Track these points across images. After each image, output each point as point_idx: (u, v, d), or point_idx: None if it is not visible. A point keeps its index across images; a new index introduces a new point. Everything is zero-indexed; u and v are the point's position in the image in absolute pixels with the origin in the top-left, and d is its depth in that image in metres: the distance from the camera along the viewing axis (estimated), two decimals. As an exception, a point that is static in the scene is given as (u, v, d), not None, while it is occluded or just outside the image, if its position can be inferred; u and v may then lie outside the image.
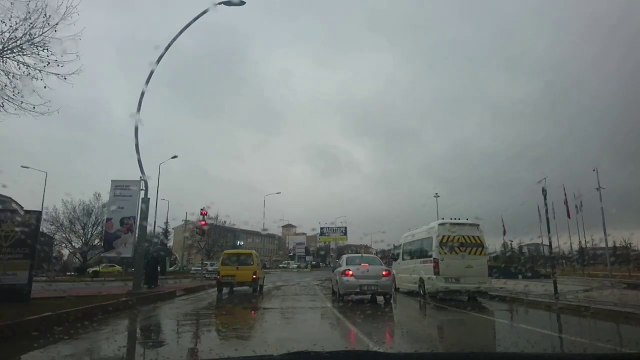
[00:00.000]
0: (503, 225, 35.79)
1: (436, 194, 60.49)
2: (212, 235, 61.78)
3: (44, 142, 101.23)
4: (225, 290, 18.52)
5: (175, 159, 35.24)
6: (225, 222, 75.40)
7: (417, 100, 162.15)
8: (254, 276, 17.85)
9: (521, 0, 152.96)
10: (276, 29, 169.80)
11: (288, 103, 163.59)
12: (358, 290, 14.40)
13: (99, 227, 60.46)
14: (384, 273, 14.85)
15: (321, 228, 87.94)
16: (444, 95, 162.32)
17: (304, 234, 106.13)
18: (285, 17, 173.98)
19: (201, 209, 23.11)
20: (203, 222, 22.78)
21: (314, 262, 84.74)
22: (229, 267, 17.96)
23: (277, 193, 63.79)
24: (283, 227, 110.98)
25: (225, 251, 19.67)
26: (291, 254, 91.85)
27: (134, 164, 12.68)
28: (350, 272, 14.56)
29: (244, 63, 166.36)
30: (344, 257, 16.75)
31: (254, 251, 18.99)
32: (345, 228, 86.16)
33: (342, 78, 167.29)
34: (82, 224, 59.74)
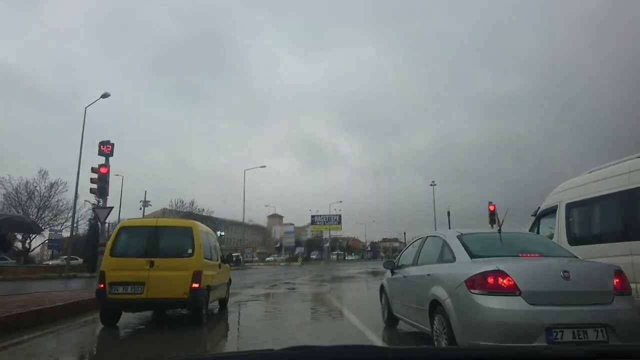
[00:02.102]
0: (498, 218, 28.87)
1: (433, 182, 55.15)
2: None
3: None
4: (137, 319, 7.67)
5: (106, 97, 24.23)
6: (203, 210, 64.98)
7: (403, 94, 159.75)
8: (195, 285, 7.11)
9: None
10: (262, 19, 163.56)
11: (273, 94, 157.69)
12: (543, 339, 3.90)
13: (47, 211, 49.50)
14: (615, 282, 4.30)
15: (312, 216, 77.83)
16: (429, 89, 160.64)
17: (291, 224, 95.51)
18: (271, 8, 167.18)
19: (101, 143, 11.86)
20: (104, 169, 11.81)
21: (304, 255, 74.08)
22: (129, 262, 7.20)
23: (262, 167, 52.71)
24: (269, 216, 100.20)
25: (124, 222, 8.65)
26: (278, 245, 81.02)
27: None
28: (509, 281, 3.99)
29: (229, 52, 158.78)
30: (449, 234, 5.43)
31: (197, 224, 8.07)
32: (340, 216, 76.43)
33: (328, 70, 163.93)
34: (23, 208, 48.88)
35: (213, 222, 70.40)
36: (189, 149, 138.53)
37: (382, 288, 7.42)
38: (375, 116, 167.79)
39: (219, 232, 76.55)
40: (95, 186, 11.61)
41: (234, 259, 43.02)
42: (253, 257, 67.37)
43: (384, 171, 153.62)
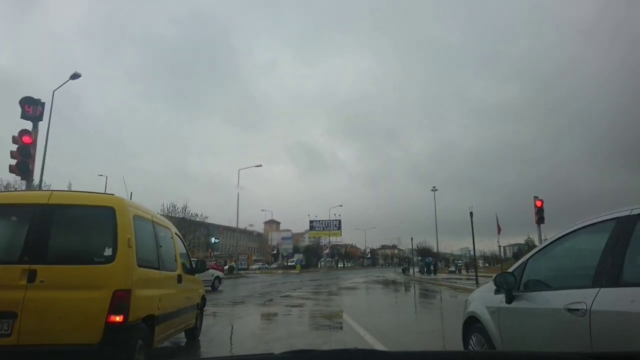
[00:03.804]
0: (497, 224, 27.25)
1: (434, 187, 53.41)
2: (180, 231, 47.87)
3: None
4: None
5: (76, 79, 20.94)
6: (197, 215, 61.12)
7: (401, 100, 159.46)
8: (117, 316, 3.70)
9: (504, 4, 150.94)
10: (260, 24, 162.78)
11: (271, 99, 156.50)
12: None
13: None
14: None
15: (311, 222, 74.34)
16: (427, 95, 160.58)
17: (289, 230, 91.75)
18: (269, 13, 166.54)
19: (24, 102, 7.95)
20: (27, 138, 8.21)
21: (302, 262, 70.26)
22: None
23: (258, 166, 48.78)
24: (265, 222, 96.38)
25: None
26: (274, 252, 77.18)
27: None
28: None
29: (227, 57, 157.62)
30: None
31: (124, 203, 4.14)
32: (339, 222, 73.05)
33: (326, 75, 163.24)
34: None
35: (207, 228, 66.71)
36: (185, 154, 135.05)
37: (470, 325, 3.97)
38: (373, 122, 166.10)
39: (213, 239, 72.94)
40: (15, 162, 7.97)
41: (226, 266, 39.34)
42: (248, 265, 63.49)
43: (382, 177, 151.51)
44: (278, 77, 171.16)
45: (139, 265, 4.08)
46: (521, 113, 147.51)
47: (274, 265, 72.66)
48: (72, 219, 4.06)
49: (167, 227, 5.60)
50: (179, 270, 5.52)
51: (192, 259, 6.58)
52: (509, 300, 3.33)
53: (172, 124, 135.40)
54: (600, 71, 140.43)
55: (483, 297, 3.90)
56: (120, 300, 3.75)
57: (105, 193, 4.18)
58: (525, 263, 3.42)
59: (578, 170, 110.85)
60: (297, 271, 56.24)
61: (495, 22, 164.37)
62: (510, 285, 3.33)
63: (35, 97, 8.26)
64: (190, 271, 6.30)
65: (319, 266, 72.99)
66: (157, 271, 4.66)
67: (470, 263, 64.83)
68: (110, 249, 3.88)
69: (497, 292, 3.63)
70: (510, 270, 3.55)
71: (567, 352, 2.00)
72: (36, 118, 8.19)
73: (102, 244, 3.95)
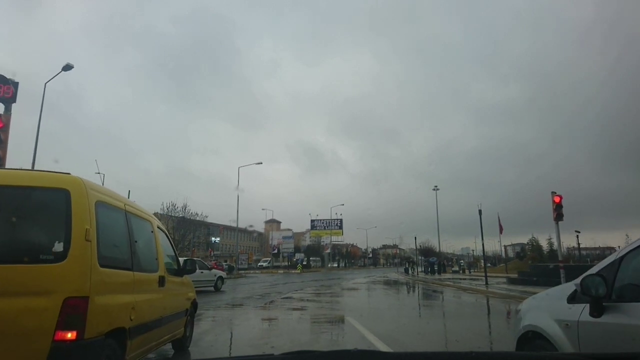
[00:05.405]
0: (499, 223, 26.90)
1: (435, 186, 52.30)
2: (180, 230, 47.97)
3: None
4: None
5: (68, 70, 20.10)
6: (196, 214, 60.20)
7: (402, 100, 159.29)
8: (68, 332, 2.85)
9: (504, 4, 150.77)
10: (262, 25, 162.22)
11: (272, 99, 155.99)
12: None
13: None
14: None
15: (312, 221, 73.43)
16: (428, 95, 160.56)
17: (289, 229, 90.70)
18: (271, 14, 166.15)
19: None
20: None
21: (304, 262, 69.34)
22: None
23: (258, 163, 47.48)
24: (266, 222, 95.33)
25: None
26: (275, 251, 76.17)
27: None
28: None
29: (228, 57, 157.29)
30: None
31: (83, 184, 3.20)
32: (341, 221, 72.03)
33: (327, 75, 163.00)
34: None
35: (207, 227, 65.70)
36: (186, 152, 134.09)
37: (529, 341, 3.06)
38: (374, 122, 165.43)
39: (213, 238, 71.95)
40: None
41: (225, 266, 38.39)
42: (249, 264, 62.45)
43: (383, 177, 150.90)
44: (279, 76, 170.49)
45: (102, 265, 3.18)
46: (521, 112, 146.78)
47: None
48: (12, 205, 3.15)
49: (147, 219, 4.69)
50: (161, 272, 4.61)
51: (179, 258, 5.68)
52: (598, 312, 2.43)
53: (173, 122, 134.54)
54: (600, 70, 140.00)
55: (548, 307, 3.00)
56: (73, 311, 2.86)
57: (59, 172, 3.27)
58: (618, 263, 2.52)
59: (577, 169, 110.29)
60: (299, 271, 55.31)
61: (496, 22, 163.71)
62: (599, 293, 2.43)
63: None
64: (178, 272, 5.40)
65: (310, 266, 71.98)
66: (130, 272, 3.76)
67: (473, 263, 64.20)
68: (62, 244, 2.98)
69: (571, 300, 2.74)
70: (593, 271, 2.65)
71: (566, 352, 2.03)
72: (8, 100, 7.34)
73: (51, 237, 3.05)
